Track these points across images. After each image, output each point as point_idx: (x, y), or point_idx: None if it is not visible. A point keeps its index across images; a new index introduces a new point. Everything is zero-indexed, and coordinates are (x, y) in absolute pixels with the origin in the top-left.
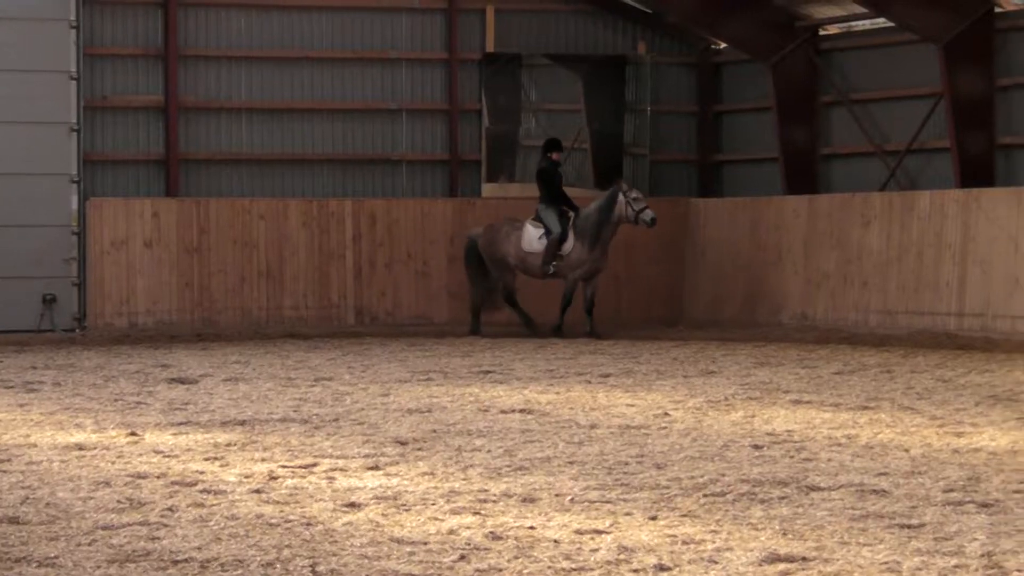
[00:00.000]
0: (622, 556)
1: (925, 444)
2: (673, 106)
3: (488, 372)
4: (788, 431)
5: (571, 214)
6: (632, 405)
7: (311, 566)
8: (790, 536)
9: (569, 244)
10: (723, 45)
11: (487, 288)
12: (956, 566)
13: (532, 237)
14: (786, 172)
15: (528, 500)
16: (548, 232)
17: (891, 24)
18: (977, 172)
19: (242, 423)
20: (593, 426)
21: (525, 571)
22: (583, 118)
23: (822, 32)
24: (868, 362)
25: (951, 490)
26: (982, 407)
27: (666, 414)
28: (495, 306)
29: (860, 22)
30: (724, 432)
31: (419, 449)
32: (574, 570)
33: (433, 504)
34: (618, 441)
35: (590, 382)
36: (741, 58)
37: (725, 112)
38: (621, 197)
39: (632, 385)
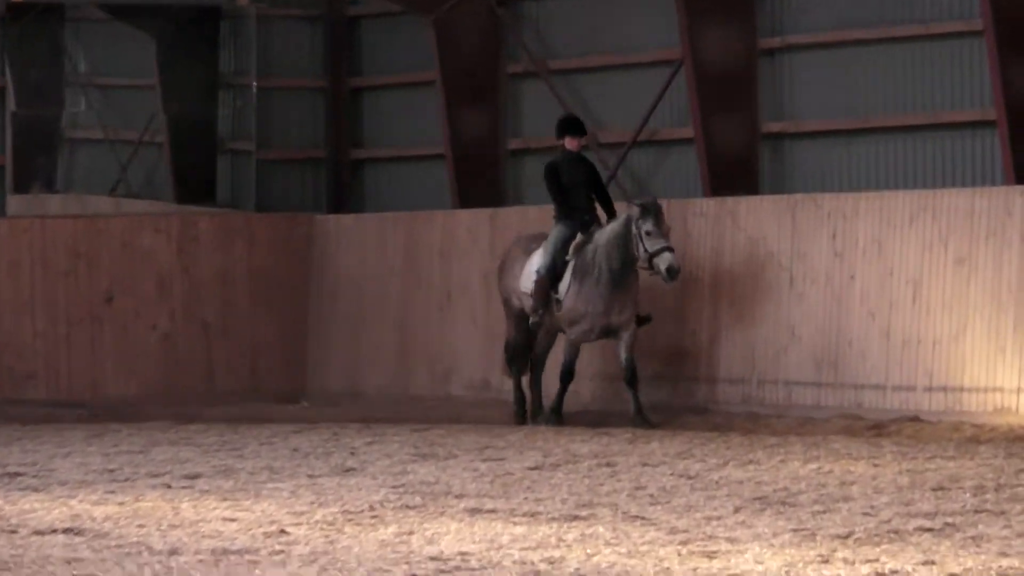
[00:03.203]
0: None
1: (662, 569)
2: (291, 80)
3: (16, 475)
4: (463, 554)
5: (577, 239)
6: (232, 520)
7: None
8: None
9: (564, 285)
10: None
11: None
12: None
13: (531, 270)
14: (457, 175)
15: None
16: None
17: None
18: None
19: None
20: (174, 552)
21: None
22: (158, 98)
23: None
24: (580, 451)
25: None
26: (744, 514)
27: (282, 532)
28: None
29: None
30: (368, 557)
31: None
32: None
33: None
34: (212, 575)
35: (170, 486)
36: (390, 10)
37: (366, 88)
38: (633, 226)
39: (232, 490)
